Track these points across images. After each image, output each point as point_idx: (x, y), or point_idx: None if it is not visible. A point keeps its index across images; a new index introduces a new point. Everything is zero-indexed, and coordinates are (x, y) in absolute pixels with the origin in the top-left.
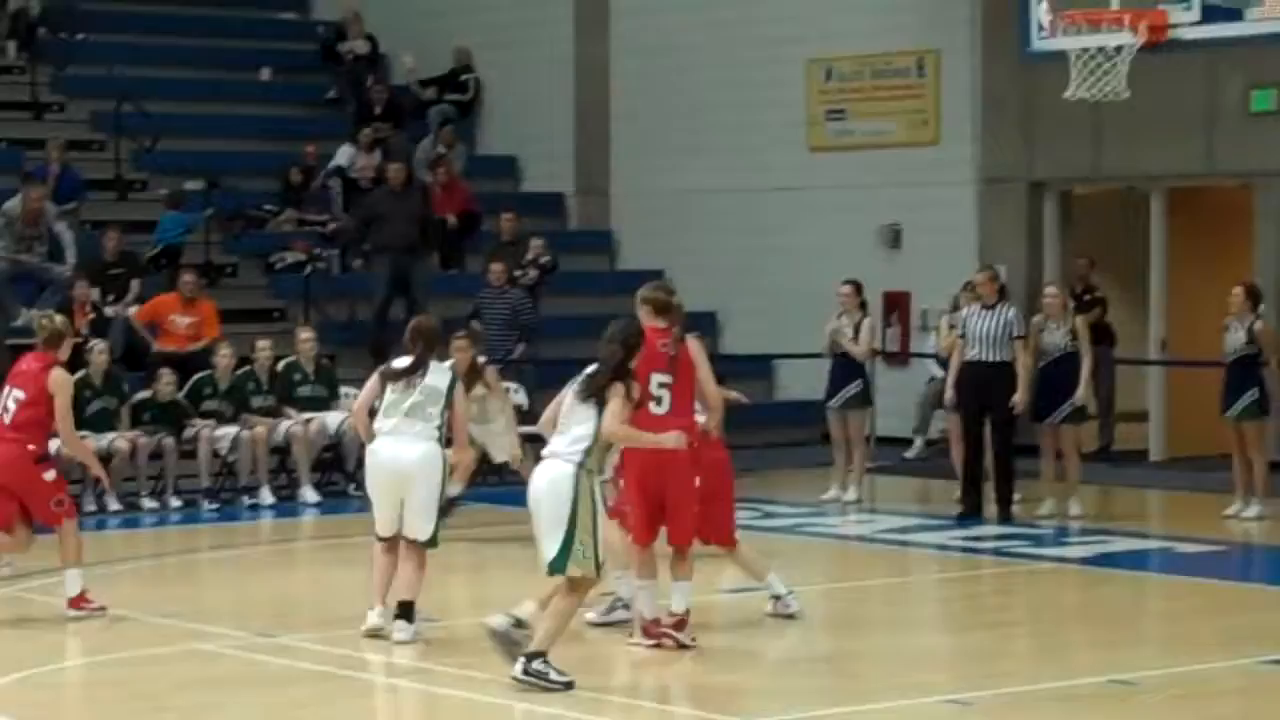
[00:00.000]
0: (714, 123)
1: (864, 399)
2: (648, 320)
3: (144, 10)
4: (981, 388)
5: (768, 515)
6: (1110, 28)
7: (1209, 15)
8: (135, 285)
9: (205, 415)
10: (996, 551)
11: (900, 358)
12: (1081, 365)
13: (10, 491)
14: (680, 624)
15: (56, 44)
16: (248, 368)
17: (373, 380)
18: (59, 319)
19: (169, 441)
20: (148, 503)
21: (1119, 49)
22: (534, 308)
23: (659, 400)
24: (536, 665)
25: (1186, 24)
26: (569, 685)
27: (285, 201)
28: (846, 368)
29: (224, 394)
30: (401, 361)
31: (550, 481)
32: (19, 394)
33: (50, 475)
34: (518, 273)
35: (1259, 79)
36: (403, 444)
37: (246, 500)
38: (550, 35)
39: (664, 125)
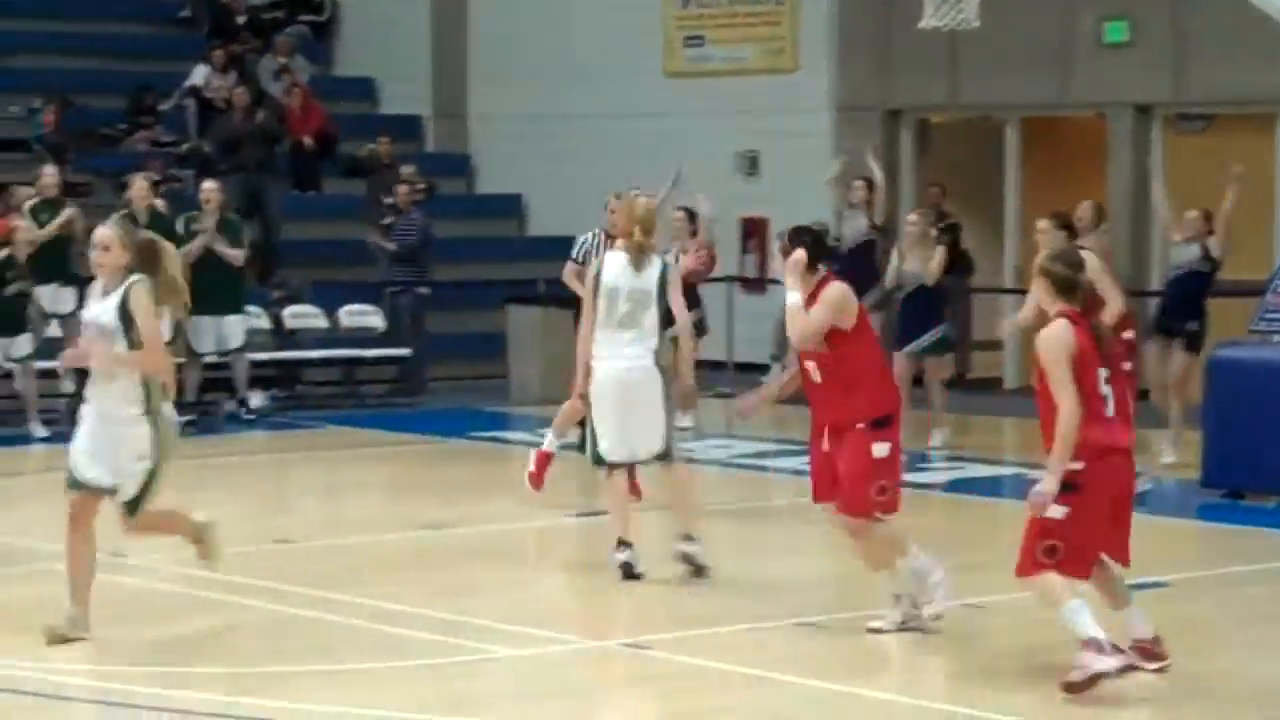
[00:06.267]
0: (571, 47)
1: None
2: (1048, 299)
3: None
4: None
5: None
6: None
7: None
8: None
9: None
10: None
11: (757, 284)
12: (940, 295)
13: None
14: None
15: None
16: None
17: None
18: None
19: None
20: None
21: None
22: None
23: (1105, 400)
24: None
25: None
26: None
27: (136, 122)
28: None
29: None
30: None
31: None
32: None
33: None
34: (417, 195)
35: (1111, 11)
36: None
37: None
38: None
39: (522, 49)
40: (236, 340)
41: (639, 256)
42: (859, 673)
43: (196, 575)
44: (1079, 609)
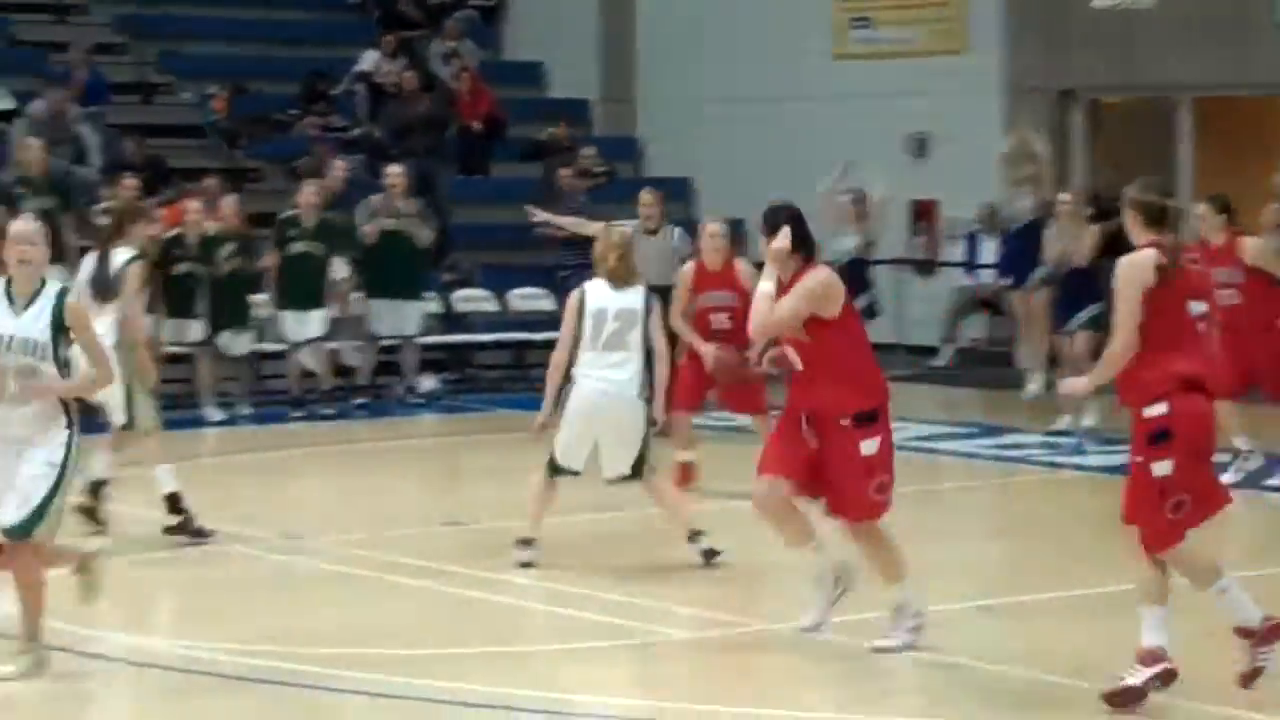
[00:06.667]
0: (739, 30)
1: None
2: (1138, 231)
3: None
4: None
5: None
6: None
7: None
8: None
9: None
10: (1021, 460)
11: (928, 266)
12: (1095, 275)
13: None
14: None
15: None
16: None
17: None
18: None
19: None
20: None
21: None
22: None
23: (1189, 337)
24: None
25: None
26: None
27: (308, 107)
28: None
29: None
30: None
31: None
32: None
33: None
34: (580, 180)
35: None
36: None
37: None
38: None
39: (689, 32)
40: (412, 327)
41: (619, 280)
42: (1034, 657)
43: (366, 557)
44: (1235, 586)
